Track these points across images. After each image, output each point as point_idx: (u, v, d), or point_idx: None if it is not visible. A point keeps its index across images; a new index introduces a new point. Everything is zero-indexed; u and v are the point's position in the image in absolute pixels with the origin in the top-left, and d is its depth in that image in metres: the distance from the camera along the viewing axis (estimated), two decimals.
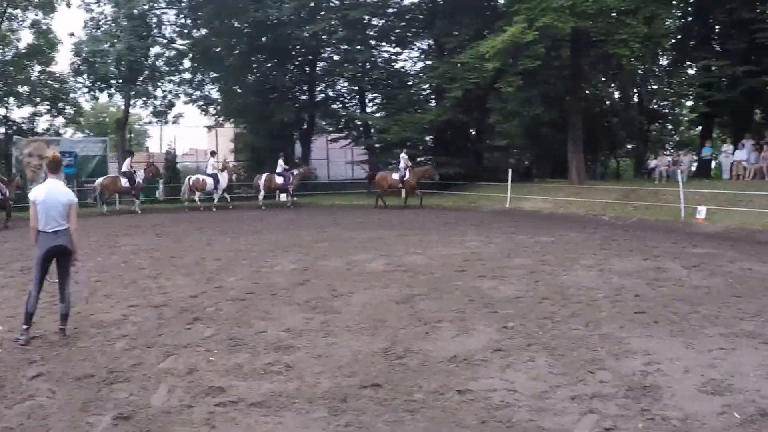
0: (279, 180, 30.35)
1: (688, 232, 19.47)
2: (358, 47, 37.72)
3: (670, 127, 48.06)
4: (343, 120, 41.97)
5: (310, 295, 10.19)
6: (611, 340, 7.75)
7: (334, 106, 42.67)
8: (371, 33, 39.65)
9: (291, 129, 40.91)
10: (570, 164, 30.43)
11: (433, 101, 38.69)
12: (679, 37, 33.94)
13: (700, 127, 36.96)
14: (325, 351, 7.39)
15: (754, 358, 7.19)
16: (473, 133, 39.86)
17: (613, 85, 43.31)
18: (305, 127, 41.30)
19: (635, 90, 43.84)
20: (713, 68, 29.47)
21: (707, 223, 20.45)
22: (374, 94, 42.69)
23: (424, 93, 39.79)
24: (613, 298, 9.93)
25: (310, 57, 40.68)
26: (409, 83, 39.36)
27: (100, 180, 28.64)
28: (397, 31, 39.71)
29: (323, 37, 38.16)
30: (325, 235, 18.30)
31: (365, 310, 9.29)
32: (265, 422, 5.52)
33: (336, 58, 40.95)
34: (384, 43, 40.64)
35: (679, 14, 34.03)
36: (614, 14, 27.58)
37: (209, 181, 29.40)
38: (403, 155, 30.25)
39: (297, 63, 41.16)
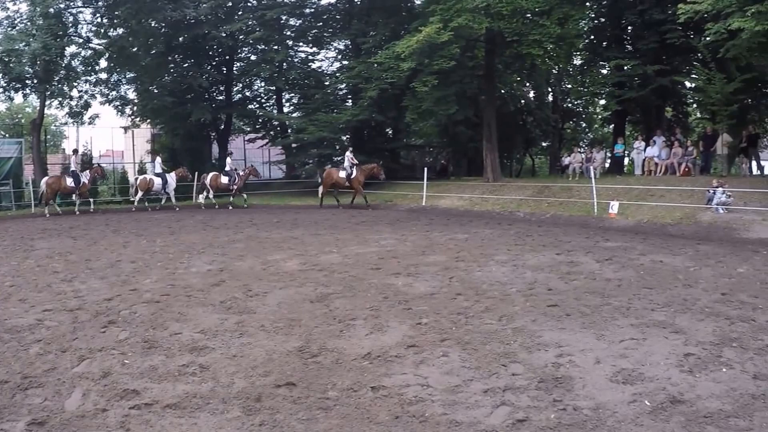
0: (224, 179, 29.77)
1: (601, 227, 20.00)
2: (275, 47, 37.58)
3: (584, 124, 48.99)
4: (260, 120, 41.82)
5: (225, 296, 10.10)
6: (524, 334, 7.90)
7: (251, 106, 42.47)
8: (288, 33, 39.65)
9: (208, 129, 40.52)
10: (485, 162, 30.87)
11: (350, 101, 38.76)
12: (593, 37, 34.61)
13: (613, 125, 37.81)
14: (239, 351, 7.34)
15: (665, 347, 7.45)
16: (389, 132, 40.19)
17: (528, 84, 43.96)
18: (222, 127, 40.90)
19: (550, 89, 44.59)
20: (626, 68, 30.20)
21: (619, 217, 21.02)
22: (291, 94, 42.72)
23: (340, 93, 39.84)
24: (526, 293, 10.13)
25: (227, 57, 40.36)
26: (326, 83, 39.32)
27: (45, 179, 28.16)
28: (314, 31, 39.84)
29: (240, 36, 38.00)
30: (241, 236, 18.12)
31: (280, 309, 9.25)
32: (179, 424, 5.46)
33: (253, 58, 40.63)
34: (301, 43, 40.70)
35: (593, 15, 34.66)
36: (529, 15, 28.08)
37: (157, 180, 29.10)
38: (348, 154, 29.77)
39: (214, 63, 40.75)
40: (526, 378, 6.43)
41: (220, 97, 41.33)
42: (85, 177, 28.22)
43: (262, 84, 41.94)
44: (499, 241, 16.38)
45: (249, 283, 11.13)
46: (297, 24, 39.92)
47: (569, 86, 41.43)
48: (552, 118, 43.35)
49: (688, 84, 30.82)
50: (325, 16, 39.38)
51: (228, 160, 30.58)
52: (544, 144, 47.39)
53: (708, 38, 21.76)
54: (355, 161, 29.43)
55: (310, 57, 41.07)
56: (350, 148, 30.90)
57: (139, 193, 28.75)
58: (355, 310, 9.11)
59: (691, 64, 31.39)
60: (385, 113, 35.64)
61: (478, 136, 33.41)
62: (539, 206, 22.23)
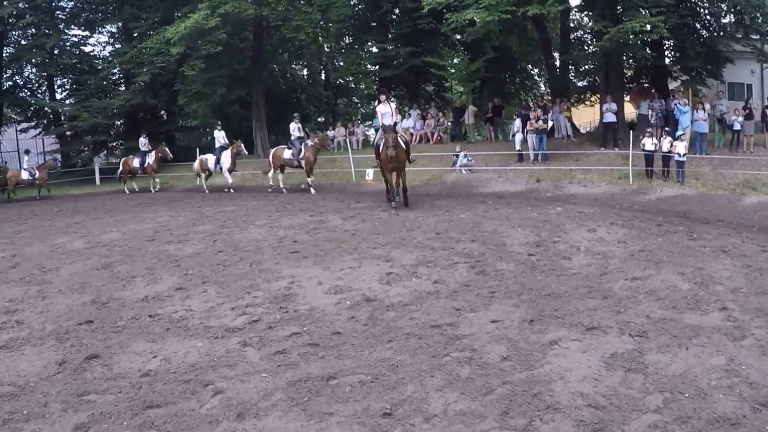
0: (211, 162, 26.40)
1: (357, 192, 22.61)
2: (47, 31, 36.27)
3: (356, 100, 51.33)
4: (32, 108, 40.48)
5: (23, 274, 11.39)
6: (267, 272, 10.34)
7: (22, 94, 40.84)
8: (61, 15, 38.45)
9: None
10: (255, 140, 32.54)
11: (123, 86, 38.54)
12: (356, 22, 36.82)
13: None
14: (45, 308, 9.09)
15: (373, 270, 10.22)
16: (163, 115, 40.64)
17: (300, 63, 45.67)
18: None
19: (322, 67, 46.69)
20: (389, 48, 33.13)
21: (375, 183, 23.56)
22: (64, 80, 41.49)
23: (113, 78, 39.45)
24: (275, 245, 12.55)
25: None
26: (99, 68, 38.42)
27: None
28: (87, 14, 39.09)
29: (10, 20, 36.32)
30: (25, 226, 18.44)
31: (72, 278, 10.88)
32: (12, 356, 7.28)
33: (24, 42, 38.76)
34: (73, 27, 39.56)
35: (354, 2, 36.63)
36: (301, 2, 30.15)
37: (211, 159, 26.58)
38: (293, 125, 24.19)
39: None
40: (263, 298, 8.92)
41: None
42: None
43: (33, 70, 40.61)
44: (262, 210, 18.30)
45: (42, 262, 12.39)
46: (69, 6, 38.86)
47: (342, 64, 43.57)
48: (324, 94, 45.44)
49: (441, 63, 33.79)
50: None
51: (26, 157, 29.69)
52: (319, 120, 49.28)
53: (451, 26, 24.59)
54: (302, 134, 24.97)
55: (83, 41, 39.84)
56: (296, 117, 25.05)
57: (202, 175, 26.68)
58: (134, 271, 11.03)
59: (440, 46, 34.81)
60: (158, 97, 36.24)
61: (251, 115, 34.75)
62: (305, 178, 23.98)
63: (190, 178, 28.27)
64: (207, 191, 25.64)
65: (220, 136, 26.48)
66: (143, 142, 28.63)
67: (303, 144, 23.64)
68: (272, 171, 24.49)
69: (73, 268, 11.66)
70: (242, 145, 26.42)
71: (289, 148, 24.03)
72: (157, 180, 28.14)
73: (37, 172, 28.31)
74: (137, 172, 28.37)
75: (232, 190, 25.25)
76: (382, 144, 17.18)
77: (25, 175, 28.12)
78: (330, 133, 33.48)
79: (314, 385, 6.17)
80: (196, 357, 6.99)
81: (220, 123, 28.34)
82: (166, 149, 28.29)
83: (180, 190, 27.49)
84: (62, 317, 8.60)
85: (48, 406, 5.96)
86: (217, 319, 8.17)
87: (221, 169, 25.57)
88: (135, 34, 36.18)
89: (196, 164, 26.88)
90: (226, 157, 25.53)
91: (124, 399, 6.04)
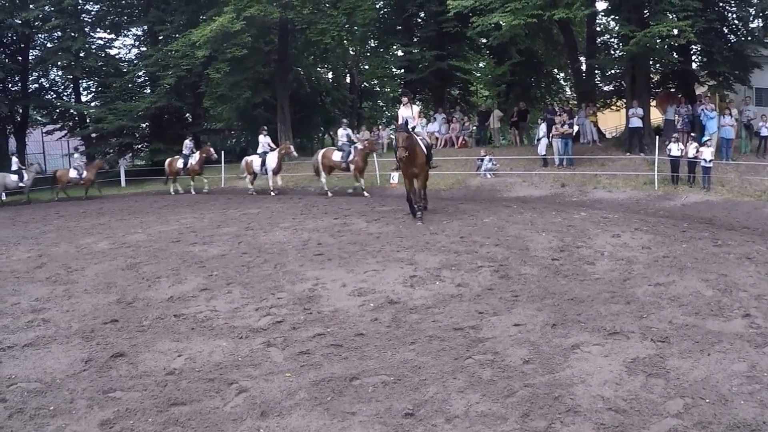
0: (257, 164, 25.54)
1: (382, 195, 22.66)
2: (73, 34, 36.35)
3: (381, 104, 51.40)
4: (57, 111, 40.60)
5: (49, 274, 11.57)
6: (291, 274, 10.42)
7: (48, 96, 40.92)
8: (86, 19, 38.66)
9: (4, 123, 39.19)
10: (280, 143, 32.60)
11: (148, 88, 38.57)
12: (381, 25, 36.95)
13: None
14: (70, 307, 9.24)
15: (397, 273, 10.25)
16: (188, 117, 40.48)
17: (325, 66, 45.79)
18: (19, 120, 39.64)
19: (346, 70, 46.79)
20: (414, 51, 33.21)
21: (399, 186, 23.55)
22: (89, 82, 41.62)
23: (139, 80, 39.53)
24: (300, 248, 12.63)
25: (22, 45, 38.84)
26: (125, 71, 38.74)
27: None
28: (112, 17, 39.11)
29: (36, 23, 36.58)
30: (51, 227, 18.55)
31: (98, 278, 11.03)
32: (39, 354, 7.43)
33: (49, 45, 38.68)
34: (99, 30, 39.48)
35: (379, 6, 36.68)
36: (327, 5, 30.27)
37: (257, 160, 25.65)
38: (341, 131, 24.57)
39: (8, 52, 38.97)
40: (287, 300, 9.00)
41: (15, 88, 39.72)
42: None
43: (59, 73, 40.27)
44: (287, 212, 18.39)
45: (67, 262, 12.56)
46: (95, 9, 38.99)
47: (366, 67, 43.69)
48: (349, 98, 45.48)
49: (466, 66, 33.85)
50: (123, 2, 38.82)
51: (75, 154, 29.62)
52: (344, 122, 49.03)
53: (476, 29, 24.58)
54: (354, 138, 25.02)
55: (108, 44, 40.33)
56: (345, 123, 25.62)
57: (248, 177, 26.10)
58: (160, 272, 11.18)
59: (466, 50, 34.81)
60: (183, 99, 36.37)
61: (276, 118, 34.87)
62: (329, 181, 24.01)
63: (214, 181, 28.41)
64: (252, 191, 25.49)
65: (264, 142, 25.59)
66: (188, 145, 28.44)
67: (353, 147, 23.24)
68: (324, 175, 23.82)
69: (99, 268, 11.80)
70: (292, 146, 26.08)
71: (339, 150, 23.64)
72: (191, 183, 28.02)
73: (84, 171, 28.54)
74: (180, 173, 28.16)
75: (275, 192, 24.88)
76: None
77: (73, 174, 28.38)
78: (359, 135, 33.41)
79: (337, 385, 6.26)
80: (220, 356, 7.11)
81: (266, 128, 27.36)
82: (211, 149, 27.95)
83: (204, 192, 27.43)
84: (88, 316, 8.74)
85: (74, 402, 6.10)
86: (242, 319, 8.28)
87: (266, 170, 25.18)
88: (160, 37, 36.19)
89: (242, 165, 26.39)
90: (273, 158, 25.03)
91: (149, 396, 6.16)
